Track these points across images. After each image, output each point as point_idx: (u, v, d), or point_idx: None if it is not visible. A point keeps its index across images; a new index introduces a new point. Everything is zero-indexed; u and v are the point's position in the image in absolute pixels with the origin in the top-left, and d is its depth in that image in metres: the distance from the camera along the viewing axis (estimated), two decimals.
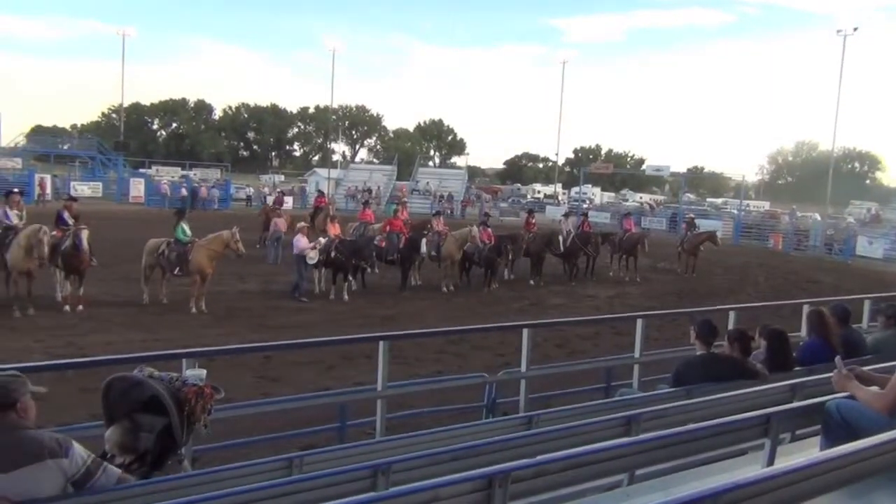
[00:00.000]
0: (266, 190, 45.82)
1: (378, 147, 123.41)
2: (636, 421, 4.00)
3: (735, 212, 52.93)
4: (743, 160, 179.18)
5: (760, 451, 4.01)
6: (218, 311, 14.85)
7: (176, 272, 15.14)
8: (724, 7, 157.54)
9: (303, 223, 18.36)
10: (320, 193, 34.58)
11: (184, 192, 44.93)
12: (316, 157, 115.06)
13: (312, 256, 16.84)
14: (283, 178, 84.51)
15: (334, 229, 18.16)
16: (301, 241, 16.99)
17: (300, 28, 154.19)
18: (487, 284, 19.64)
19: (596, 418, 4.20)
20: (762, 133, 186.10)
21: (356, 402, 7.02)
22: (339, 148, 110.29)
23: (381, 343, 6.17)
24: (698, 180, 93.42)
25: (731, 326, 7.72)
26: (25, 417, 3.12)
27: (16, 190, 15.64)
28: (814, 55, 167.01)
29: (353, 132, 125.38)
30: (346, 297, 16.96)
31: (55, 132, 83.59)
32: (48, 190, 40.95)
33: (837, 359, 4.46)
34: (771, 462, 3.74)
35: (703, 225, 33.70)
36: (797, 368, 6.33)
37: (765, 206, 75.76)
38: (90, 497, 3.03)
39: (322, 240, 17.46)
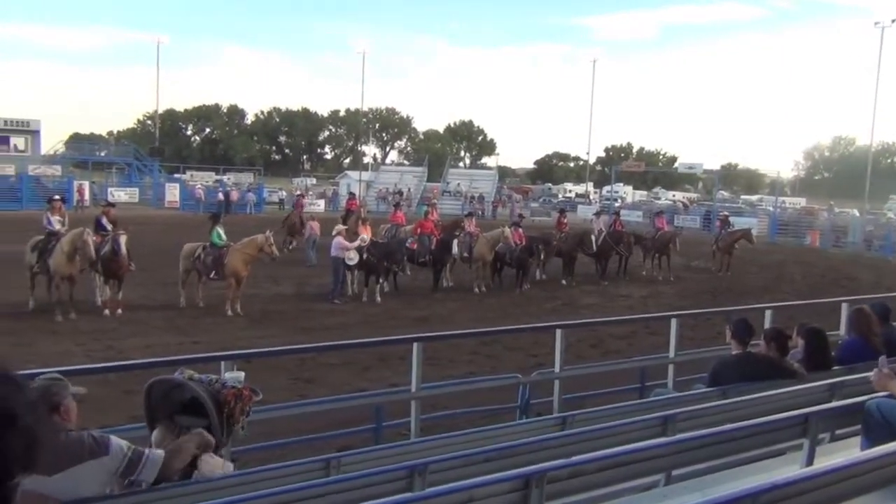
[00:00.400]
0: (298, 193, 46.31)
1: (408, 149, 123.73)
2: (672, 421, 3.98)
3: (770, 209, 52.15)
4: (778, 156, 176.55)
5: (799, 451, 3.97)
6: (253, 313, 15.03)
7: (212, 276, 15.37)
8: (757, 1, 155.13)
9: (340, 225, 18.46)
10: (351, 196, 34.79)
11: (220, 196, 45.50)
12: (347, 160, 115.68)
13: (352, 257, 16.93)
14: (314, 181, 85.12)
15: (366, 231, 18.26)
16: (340, 243, 17.04)
17: (329, 32, 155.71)
18: (519, 285, 19.60)
19: (631, 418, 4.19)
20: (797, 128, 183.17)
21: (391, 404, 7.07)
22: (370, 150, 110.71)
23: (415, 345, 6.21)
24: (732, 177, 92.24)
25: (767, 325, 7.63)
26: (68, 420, 3.20)
27: (57, 197, 16.01)
28: (850, 48, 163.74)
29: (384, 134, 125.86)
30: (378, 298, 17.05)
31: (93, 139, 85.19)
32: (86, 196, 41.74)
33: (882, 358, 4.40)
34: (810, 462, 3.70)
35: (738, 223, 33.24)
36: (836, 368, 6.23)
37: (801, 202, 74.50)
38: (133, 497, 3.10)
39: (366, 237, 17.57)
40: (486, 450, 3.37)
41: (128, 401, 7.37)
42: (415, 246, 19.32)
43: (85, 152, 58.42)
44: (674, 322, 8.17)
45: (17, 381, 1.26)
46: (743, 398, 4.68)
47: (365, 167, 71.21)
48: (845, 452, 3.93)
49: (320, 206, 49.49)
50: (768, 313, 8.61)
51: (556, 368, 7.29)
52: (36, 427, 1.24)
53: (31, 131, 47.17)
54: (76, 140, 72.25)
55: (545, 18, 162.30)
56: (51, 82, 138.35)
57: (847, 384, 5.14)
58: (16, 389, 1.24)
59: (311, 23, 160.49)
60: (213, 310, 15.10)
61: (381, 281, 17.58)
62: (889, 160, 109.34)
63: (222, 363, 5.04)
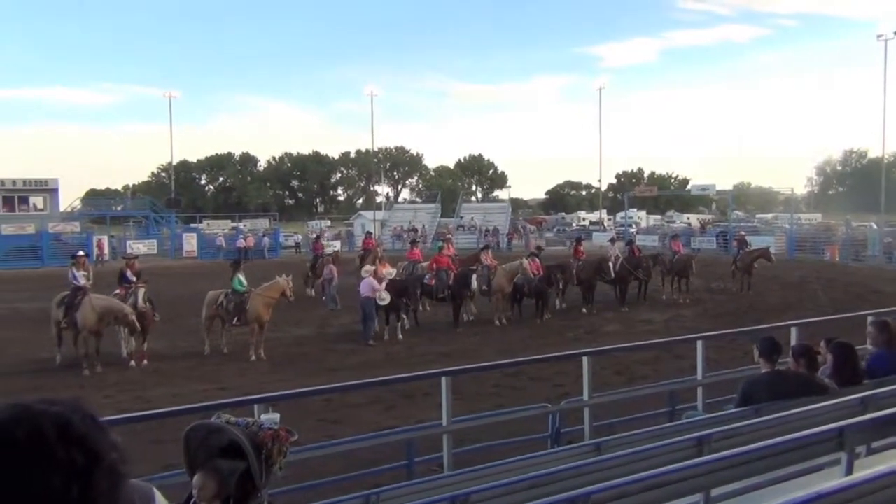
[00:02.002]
0: (314, 235, 46.67)
1: (420, 186, 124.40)
2: (707, 441, 3.99)
3: (787, 226, 51.86)
4: (790, 173, 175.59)
5: (836, 466, 3.96)
6: (276, 357, 15.10)
7: (234, 322, 15.48)
8: (758, 21, 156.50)
9: (370, 266, 18.40)
10: (368, 235, 34.89)
11: (242, 243, 45.99)
12: (360, 200, 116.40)
13: (384, 297, 16.83)
14: (329, 222, 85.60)
15: (384, 269, 18.33)
16: (371, 284, 16.83)
17: (338, 78, 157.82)
18: (540, 315, 19.57)
19: (667, 440, 4.19)
20: (808, 144, 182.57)
21: (420, 440, 7.07)
22: (382, 189, 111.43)
23: (443, 379, 6.24)
24: (745, 196, 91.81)
25: (793, 343, 7.60)
26: None
27: (81, 253, 16.28)
28: (856, 62, 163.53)
29: (395, 173, 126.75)
30: (400, 336, 17.08)
31: (108, 194, 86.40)
32: (106, 250, 42.29)
33: None
34: (849, 474, 3.69)
35: (755, 241, 33.06)
36: (866, 381, 6.20)
37: (817, 218, 74.03)
38: None
39: (391, 270, 17.59)
40: (528, 477, 3.40)
41: (157, 450, 7.43)
42: (433, 282, 19.38)
43: (102, 207, 59.16)
44: (700, 344, 8.16)
45: (100, 422, 1.33)
46: (777, 415, 4.67)
47: (378, 207, 71.63)
48: (884, 465, 3.91)
49: (336, 246, 49.74)
50: (794, 330, 8.58)
51: (585, 396, 7.28)
52: (119, 466, 1.30)
53: (49, 190, 47.88)
54: (93, 196, 73.36)
55: (549, 51, 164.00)
56: (66, 141, 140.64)
57: (879, 397, 5.13)
58: (99, 429, 1.30)
59: (322, 71, 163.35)
60: (237, 356, 15.19)
61: (401, 318, 17.61)
62: None
63: (255, 406, 5.09)
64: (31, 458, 1.19)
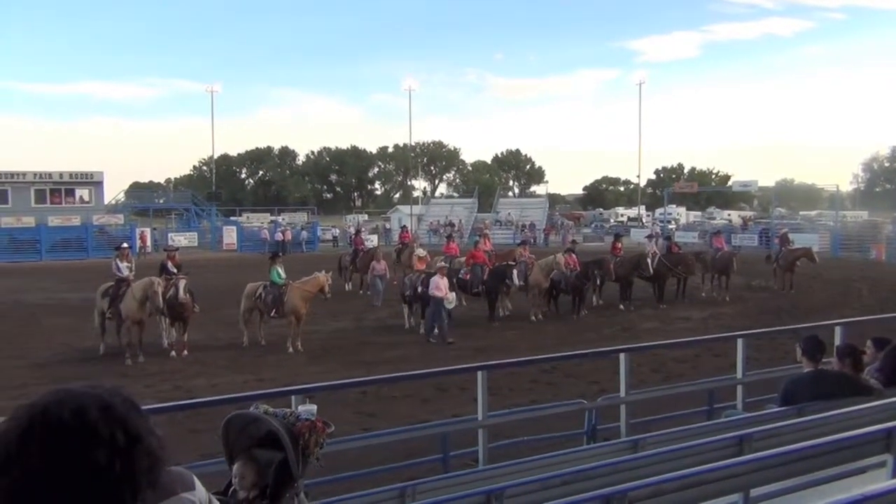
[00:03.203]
0: (351, 230, 46.94)
1: (457, 181, 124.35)
2: (748, 440, 3.92)
3: (831, 224, 50.76)
4: (835, 170, 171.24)
5: (881, 469, 3.86)
6: (314, 349, 15.23)
7: (272, 314, 15.64)
8: (804, 14, 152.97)
9: (442, 263, 17.84)
10: (404, 229, 35.01)
11: (280, 236, 46.59)
12: (397, 195, 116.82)
13: (451, 300, 16.44)
14: (366, 217, 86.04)
15: (421, 264, 18.35)
16: (437, 284, 16.25)
17: (376, 72, 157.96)
18: (576, 311, 19.43)
19: (706, 439, 4.13)
20: (854, 140, 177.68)
21: (454, 434, 7.07)
22: (419, 184, 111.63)
23: (479, 373, 6.23)
24: (788, 193, 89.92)
25: (837, 342, 7.43)
26: None
27: (125, 244, 16.60)
28: None
29: (432, 168, 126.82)
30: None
31: (151, 187, 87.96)
32: (148, 242, 43.15)
33: None
34: (895, 477, 3.59)
35: (799, 239, 32.38)
36: None
37: (863, 215, 72.32)
38: None
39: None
40: (563, 473, 3.38)
41: (195, 439, 7.56)
42: (468, 277, 19.33)
43: (145, 200, 60.27)
44: (740, 342, 8.02)
45: (139, 408, 1.38)
46: (820, 415, 4.57)
47: (415, 201, 71.80)
48: None
49: (373, 241, 50.05)
50: (838, 329, 8.38)
51: (622, 393, 7.21)
52: (157, 450, 1.34)
53: (94, 182, 48.93)
54: (136, 189, 74.75)
55: (588, 45, 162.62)
56: (111, 135, 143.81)
57: None
58: (139, 413, 1.36)
59: (359, 65, 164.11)
60: (275, 347, 15.35)
61: None
62: None
63: (293, 398, 5.14)
64: (78, 436, 1.27)
